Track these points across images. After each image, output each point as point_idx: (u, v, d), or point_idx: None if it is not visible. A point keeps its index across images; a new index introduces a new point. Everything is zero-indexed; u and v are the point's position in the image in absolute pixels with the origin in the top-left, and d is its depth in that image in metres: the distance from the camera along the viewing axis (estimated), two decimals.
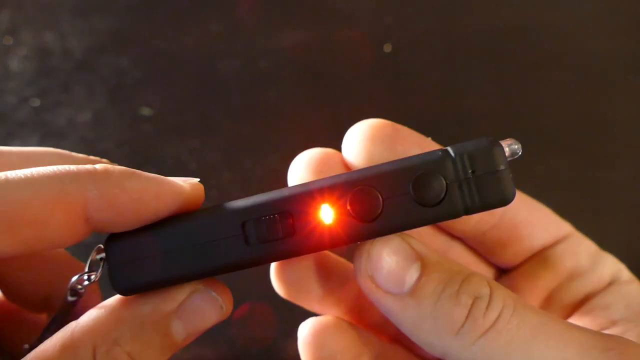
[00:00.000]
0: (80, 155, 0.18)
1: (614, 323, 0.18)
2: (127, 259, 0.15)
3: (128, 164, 0.35)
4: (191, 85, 0.38)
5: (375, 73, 0.39)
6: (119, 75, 0.39)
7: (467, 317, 0.15)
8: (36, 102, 0.38)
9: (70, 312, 0.17)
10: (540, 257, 0.20)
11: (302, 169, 0.18)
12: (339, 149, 0.37)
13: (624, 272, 0.20)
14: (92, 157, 0.18)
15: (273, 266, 0.20)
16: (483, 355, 0.15)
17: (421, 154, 0.15)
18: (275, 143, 0.36)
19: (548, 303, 0.20)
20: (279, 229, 0.14)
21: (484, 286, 0.15)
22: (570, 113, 0.38)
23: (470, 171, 0.14)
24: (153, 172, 0.36)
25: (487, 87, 0.39)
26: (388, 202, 0.14)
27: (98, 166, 0.15)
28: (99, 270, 0.16)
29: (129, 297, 0.15)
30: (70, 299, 0.17)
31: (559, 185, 0.35)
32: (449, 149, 0.15)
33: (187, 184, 0.16)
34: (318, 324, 0.19)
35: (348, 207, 0.14)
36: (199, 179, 0.17)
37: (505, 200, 0.15)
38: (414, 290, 0.15)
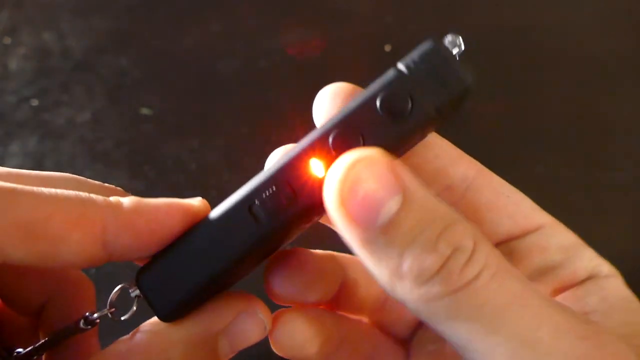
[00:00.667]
0: (97, 182, 0.19)
1: (587, 314, 0.17)
2: (160, 286, 0.16)
3: (128, 164, 0.35)
4: (191, 85, 0.38)
5: (375, 73, 0.39)
6: (118, 75, 0.39)
7: (441, 267, 0.13)
8: (35, 102, 0.38)
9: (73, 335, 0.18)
10: (506, 248, 0.19)
11: (327, 101, 0.18)
12: None
13: (604, 267, 0.18)
14: (107, 185, 0.19)
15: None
16: (447, 313, 0.13)
17: (377, 79, 0.15)
18: (275, 143, 0.36)
19: None
20: (282, 197, 0.15)
21: (468, 238, 0.13)
22: (570, 113, 0.38)
23: (424, 73, 0.15)
24: (153, 172, 0.36)
25: (488, 87, 0.39)
26: (366, 132, 0.15)
27: (113, 199, 0.16)
28: (134, 306, 0.17)
29: (184, 320, 0.16)
30: (82, 326, 0.17)
31: (559, 185, 0.35)
32: (398, 63, 0.15)
33: (195, 200, 0.17)
34: (282, 316, 0.19)
35: (333, 152, 0.15)
36: (201, 198, 0.18)
37: (464, 83, 0.15)
38: (387, 226, 0.13)
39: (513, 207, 0.18)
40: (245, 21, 0.41)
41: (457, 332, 0.13)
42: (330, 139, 0.15)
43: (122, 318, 0.17)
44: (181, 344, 0.15)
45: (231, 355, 0.17)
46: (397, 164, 0.14)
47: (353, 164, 0.13)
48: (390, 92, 0.15)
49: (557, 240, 0.18)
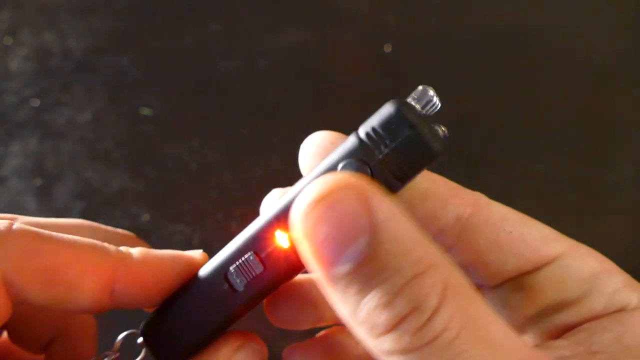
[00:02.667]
0: (110, 228, 0.20)
1: (593, 354, 0.15)
2: (162, 340, 0.17)
3: (128, 164, 0.36)
4: (191, 85, 0.38)
5: (375, 73, 0.39)
6: (119, 75, 0.39)
7: (394, 326, 0.12)
8: (36, 102, 0.38)
9: None
10: (517, 284, 0.17)
11: (311, 153, 0.18)
12: None
13: (634, 298, 0.16)
14: (120, 231, 0.20)
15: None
16: None
17: (339, 147, 0.14)
18: (275, 143, 0.36)
19: (525, 327, 0.18)
20: (252, 268, 0.15)
21: (433, 294, 0.12)
22: (570, 113, 0.38)
23: (385, 143, 0.13)
24: (153, 172, 0.36)
25: (487, 87, 0.39)
26: None
27: (124, 249, 0.17)
28: (142, 354, 0.18)
29: None
30: None
31: (559, 185, 0.35)
32: (360, 128, 0.14)
33: (196, 253, 0.18)
34: (290, 347, 0.20)
35: None
36: (202, 250, 0.18)
37: (431, 154, 0.13)
38: (347, 273, 0.12)
39: (518, 243, 0.17)
40: (245, 21, 0.41)
41: None
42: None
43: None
44: None
45: None
46: (374, 194, 0.12)
47: (319, 199, 0.12)
48: (348, 163, 0.14)
49: (575, 271, 0.16)
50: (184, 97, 0.38)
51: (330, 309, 0.20)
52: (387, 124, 0.14)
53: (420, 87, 0.14)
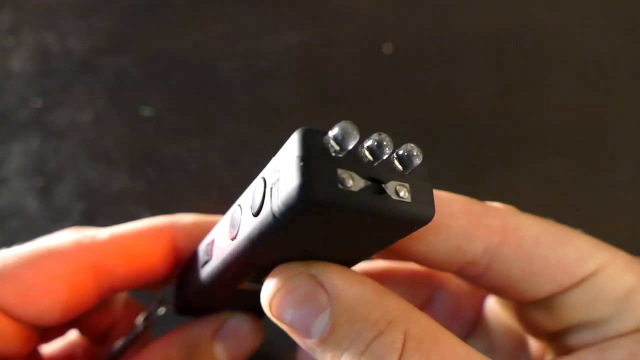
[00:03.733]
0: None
1: None
2: (180, 288, 0.19)
3: (129, 164, 0.36)
4: (191, 85, 0.39)
5: (375, 73, 0.39)
6: (119, 75, 0.39)
7: None
8: (37, 103, 0.38)
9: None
10: (547, 301, 0.16)
11: None
12: None
13: None
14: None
15: None
16: None
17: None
18: (275, 143, 0.36)
19: (546, 341, 0.18)
20: (207, 254, 0.17)
21: (392, 351, 0.13)
22: (570, 113, 0.38)
23: (279, 171, 0.12)
24: (154, 173, 0.36)
25: (487, 87, 0.39)
26: (243, 219, 0.14)
27: (170, 217, 0.19)
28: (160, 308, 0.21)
29: (184, 325, 0.19)
30: (142, 327, 0.21)
31: (559, 185, 0.35)
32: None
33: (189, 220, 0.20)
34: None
35: (229, 228, 0.15)
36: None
37: (301, 196, 0.11)
38: (321, 343, 0.13)
39: (554, 268, 0.16)
40: (245, 21, 0.41)
41: None
42: (231, 215, 0.15)
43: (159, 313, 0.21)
44: (179, 345, 0.18)
45: None
46: (319, 271, 0.13)
47: (278, 288, 0.14)
48: (258, 183, 0.14)
49: (608, 290, 0.15)
50: (184, 97, 0.38)
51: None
52: (285, 150, 0.12)
53: (345, 126, 0.11)
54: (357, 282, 0.13)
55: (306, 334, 0.14)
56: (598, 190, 0.35)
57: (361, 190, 0.11)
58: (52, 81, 0.39)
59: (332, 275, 0.13)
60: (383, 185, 0.11)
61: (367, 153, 0.12)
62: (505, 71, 0.39)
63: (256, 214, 0.13)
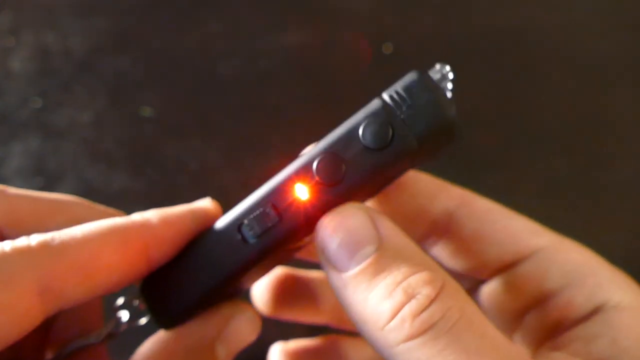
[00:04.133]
0: (102, 206, 0.19)
1: None
2: (161, 297, 0.17)
3: (129, 164, 0.36)
4: (191, 85, 0.39)
5: (375, 73, 0.39)
6: (119, 75, 0.39)
7: (393, 315, 0.13)
8: (37, 103, 0.38)
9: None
10: (504, 278, 0.18)
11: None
12: None
13: (616, 295, 0.16)
14: (111, 210, 0.19)
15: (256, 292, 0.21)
16: None
17: (363, 108, 0.16)
18: (275, 143, 0.36)
19: (515, 326, 0.18)
20: (268, 219, 0.16)
21: (429, 287, 0.13)
22: (570, 113, 0.38)
23: (406, 104, 0.15)
24: (154, 173, 0.36)
25: (487, 87, 0.39)
26: (348, 160, 0.16)
27: (145, 214, 0.16)
28: (141, 317, 0.18)
29: (177, 329, 0.17)
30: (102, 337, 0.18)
31: (559, 185, 0.35)
32: (383, 93, 0.16)
33: (208, 204, 0.18)
34: (284, 349, 0.20)
35: (316, 178, 0.16)
36: (209, 198, 0.19)
37: (445, 118, 0.15)
38: (357, 274, 0.14)
39: (500, 233, 0.18)
40: (245, 21, 0.41)
41: None
42: (314, 166, 0.16)
43: (141, 322, 0.18)
44: (181, 354, 0.17)
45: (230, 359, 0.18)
46: (376, 215, 0.15)
47: (333, 216, 0.15)
48: (372, 121, 0.15)
49: (556, 263, 0.17)
50: (184, 97, 0.38)
51: (327, 304, 0.21)
52: (408, 89, 0.15)
53: (437, 65, 0.16)
54: (400, 233, 0.15)
55: (345, 264, 0.14)
56: (598, 190, 0.35)
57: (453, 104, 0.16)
58: (53, 81, 0.39)
59: (385, 219, 0.15)
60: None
61: (444, 83, 0.16)
62: (506, 71, 0.39)
63: (382, 147, 0.15)
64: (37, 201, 0.17)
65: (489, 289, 0.18)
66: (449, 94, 0.15)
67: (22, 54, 0.40)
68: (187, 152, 0.36)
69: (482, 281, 0.19)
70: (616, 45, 0.40)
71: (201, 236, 0.17)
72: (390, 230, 0.14)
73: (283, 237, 0.16)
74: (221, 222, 0.17)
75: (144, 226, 0.16)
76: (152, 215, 0.16)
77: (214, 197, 0.35)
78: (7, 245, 0.14)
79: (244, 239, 0.16)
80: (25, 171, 0.35)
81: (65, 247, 0.14)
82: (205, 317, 0.17)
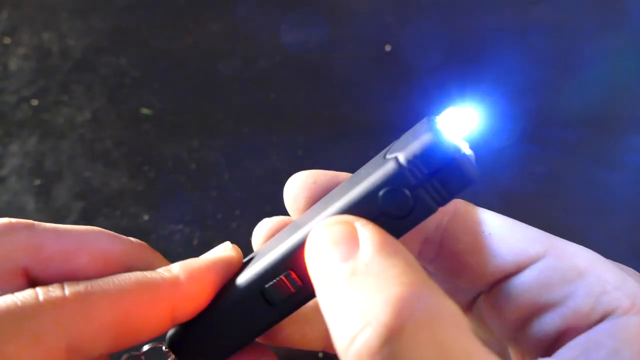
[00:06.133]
0: (124, 237, 0.18)
1: None
2: (189, 352, 0.18)
3: (128, 163, 0.35)
4: (191, 85, 0.38)
5: (375, 73, 0.39)
6: (118, 75, 0.39)
7: (351, 341, 0.13)
8: (35, 102, 0.38)
9: None
10: (503, 289, 0.17)
11: (293, 197, 0.18)
12: (337, 148, 0.37)
13: (623, 300, 0.15)
14: (133, 240, 0.19)
15: None
16: None
17: (380, 169, 0.15)
18: (275, 143, 0.36)
19: (518, 334, 0.17)
20: (290, 286, 0.16)
21: (382, 328, 0.12)
22: (571, 113, 0.38)
23: (426, 171, 0.14)
24: (153, 172, 0.36)
25: (487, 87, 0.39)
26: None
27: (173, 272, 0.16)
28: None
29: None
30: None
31: (559, 185, 0.35)
32: (399, 156, 0.14)
33: (231, 251, 0.18)
34: None
35: None
36: (229, 243, 0.18)
37: (468, 182, 0.14)
38: (332, 287, 0.14)
39: (497, 245, 0.17)
40: (245, 21, 0.41)
41: None
42: None
43: None
44: None
45: None
46: (361, 226, 0.14)
47: (320, 232, 0.14)
48: (392, 189, 0.14)
49: (559, 271, 0.16)
50: (184, 97, 0.38)
51: (319, 331, 0.20)
52: (427, 153, 0.14)
53: (451, 110, 0.15)
54: (391, 244, 0.14)
55: (326, 278, 0.14)
56: (598, 190, 0.35)
57: (474, 161, 0.15)
58: (51, 80, 0.39)
59: (371, 229, 0.14)
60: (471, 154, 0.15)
61: (457, 129, 0.15)
62: (505, 71, 0.40)
63: (404, 216, 0.15)
64: (64, 236, 0.16)
65: (490, 298, 0.18)
66: (469, 154, 0.15)
67: (19, 53, 0.40)
68: (186, 151, 0.36)
69: (482, 291, 0.18)
70: (617, 45, 0.40)
71: (225, 291, 0.17)
72: (371, 242, 0.14)
73: (304, 299, 0.16)
74: (243, 280, 0.17)
75: (173, 285, 0.16)
76: (179, 271, 0.16)
77: (214, 197, 0.34)
78: (40, 295, 0.13)
79: (268, 303, 0.16)
80: (23, 170, 0.35)
81: (97, 305, 0.14)
82: None
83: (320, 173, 0.18)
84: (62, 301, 0.13)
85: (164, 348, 0.18)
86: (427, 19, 0.41)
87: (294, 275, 0.16)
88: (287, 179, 0.20)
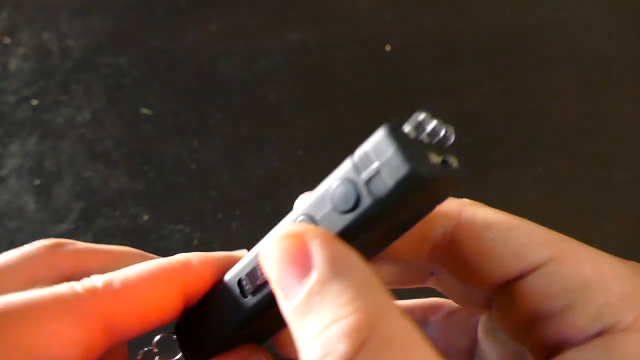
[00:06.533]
0: (157, 258, 0.20)
1: None
2: (189, 338, 0.18)
3: (127, 163, 0.35)
4: (191, 85, 0.38)
5: (375, 73, 0.39)
6: (118, 75, 0.39)
7: None
8: (35, 102, 0.38)
9: None
10: (506, 294, 0.16)
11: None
12: (337, 149, 0.37)
13: (627, 316, 0.14)
14: (165, 259, 0.21)
15: None
16: None
17: (336, 169, 0.15)
18: (275, 143, 0.36)
19: (522, 339, 0.17)
20: (257, 275, 0.16)
21: (350, 341, 0.12)
22: (570, 113, 0.38)
23: (372, 164, 0.14)
24: (153, 172, 0.36)
25: (487, 87, 0.39)
26: (319, 221, 0.15)
27: (185, 257, 0.18)
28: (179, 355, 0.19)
29: None
30: None
31: (559, 185, 0.35)
32: (356, 151, 0.15)
33: (240, 253, 0.19)
34: None
35: None
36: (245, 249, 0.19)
37: (411, 174, 0.13)
38: (292, 311, 0.13)
39: (501, 250, 0.16)
40: (245, 21, 0.41)
41: None
42: None
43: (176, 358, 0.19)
44: None
45: None
46: (312, 239, 0.13)
47: (270, 247, 0.14)
48: (340, 183, 0.15)
49: (561, 279, 0.15)
50: (184, 97, 0.38)
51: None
52: (376, 146, 0.14)
53: (421, 114, 0.15)
54: (346, 260, 0.13)
55: (284, 297, 0.13)
56: (598, 190, 0.35)
57: (439, 163, 0.14)
58: (50, 80, 0.39)
59: (322, 243, 0.13)
60: (444, 158, 0.14)
61: (426, 135, 0.15)
62: (506, 71, 0.40)
63: (351, 209, 0.14)
64: (102, 254, 0.18)
65: (497, 302, 0.18)
66: (429, 144, 0.14)
67: (19, 53, 0.40)
68: (186, 151, 0.36)
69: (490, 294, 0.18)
70: (617, 45, 0.40)
71: (217, 284, 0.18)
72: (325, 257, 0.13)
73: (271, 295, 0.16)
74: (230, 272, 0.18)
75: (186, 266, 0.17)
76: (193, 256, 0.18)
77: (214, 197, 0.34)
78: (77, 286, 0.16)
79: (242, 293, 0.17)
80: (22, 171, 0.35)
81: (123, 288, 0.16)
82: (228, 356, 0.18)
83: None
84: (95, 288, 0.16)
85: (174, 337, 0.19)
86: (427, 19, 0.41)
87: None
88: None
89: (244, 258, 0.17)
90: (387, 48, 0.40)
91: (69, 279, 0.17)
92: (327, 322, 0.12)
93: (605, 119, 0.38)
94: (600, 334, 0.14)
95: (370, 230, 0.15)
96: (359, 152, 0.14)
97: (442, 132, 0.15)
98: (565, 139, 0.37)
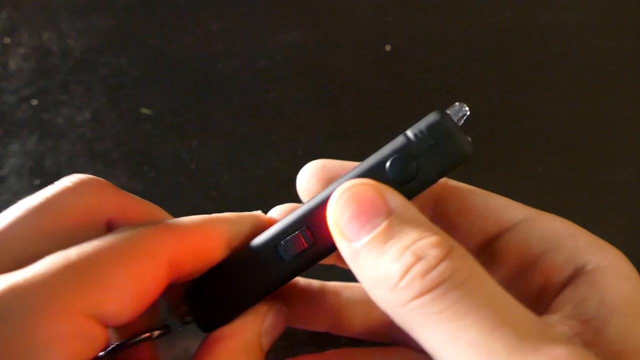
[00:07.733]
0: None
1: (585, 323, 0.16)
2: (203, 302, 0.19)
3: (127, 163, 0.35)
4: (191, 85, 0.38)
5: (375, 73, 0.39)
6: (118, 74, 0.39)
7: (404, 274, 0.14)
8: (35, 102, 0.38)
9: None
10: (490, 250, 0.19)
11: (307, 179, 0.21)
12: (337, 149, 0.37)
13: (594, 256, 0.17)
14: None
15: None
16: (415, 319, 0.14)
17: (389, 144, 0.17)
18: (275, 143, 0.36)
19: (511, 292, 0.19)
20: (303, 241, 0.18)
21: (437, 249, 0.14)
22: (570, 113, 0.38)
23: (429, 143, 0.17)
24: (152, 172, 0.36)
25: (487, 87, 0.39)
26: None
27: (235, 215, 0.20)
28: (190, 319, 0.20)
29: (231, 329, 0.19)
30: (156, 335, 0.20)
31: (559, 185, 0.35)
32: (408, 131, 0.17)
33: (255, 213, 0.20)
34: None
35: None
36: (260, 211, 0.21)
37: (464, 155, 0.17)
38: (369, 242, 0.15)
39: (481, 208, 0.19)
40: (245, 21, 0.41)
41: (426, 338, 0.14)
42: None
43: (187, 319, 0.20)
44: (241, 350, 0.18)
45: (268, 349, 0.20)
46: (384, 189, 0.16)
47: (345, 190, 0.16)
48: (398, 157, 0.17)
49: (537, 231, 0.18)
50: (184, 97, 0.38)
51: (327, 311, 0.22)
52: (431, 127, 0.17)
53: (457, 104, 0.18)
54: (407, 205, 0.16)
55: (357, 234, 0.15)
56: (598, 190, 0.35)
57: (471, 142, 0.18)
58: (50, 80, 0.39)
59: (393, 193, 0.16)
60: (469, 138, 0.18)
61: (461, 119, 0.18)
62: (506, 71, 0.40)
63: (408, 181, 0.17)
64: (145, 203, 0.20)
65: (482, 262, 0.19)
66: (467, 136, 0.17)
67: (19, 53, 0.40)
68: (186, 151, 0.36)
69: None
70: (617, 45, 0.40)
71: (243, 248, 0.19)
72: (399, 202, 0.16)
73: (317, 255, 0.18)
74: (261, 238, 0.19)
75: (228, 221, 0.19)
76: (231, 214, 0.19)
77: (214, 197, 0.34)
78: (145, 226, 0.17)
79: (280, 258, 0.18)
80: (22, 170, 0.35)
81: (183, 231, 0.17)
82: (247, 316, 0.19)
83: (330, 160, 0.20)
84: (160, 228, 0.17)
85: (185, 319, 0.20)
86: (427, 19, 0.41)
87: (308, 232, 0.18)
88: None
89: (278, 224, 0.18)
90: (387, 48, 0.40)
91: (108, 223, 0.18)
92: (414, 239, 0.15)
93: (605, 119, 0.38)
94: (577, 274, 0.17)
95: (417, 194, 0.17)
96: (414, 132, 0.17)
97: (466, 116, 0.18)
98: (565, 139, 0.37)
